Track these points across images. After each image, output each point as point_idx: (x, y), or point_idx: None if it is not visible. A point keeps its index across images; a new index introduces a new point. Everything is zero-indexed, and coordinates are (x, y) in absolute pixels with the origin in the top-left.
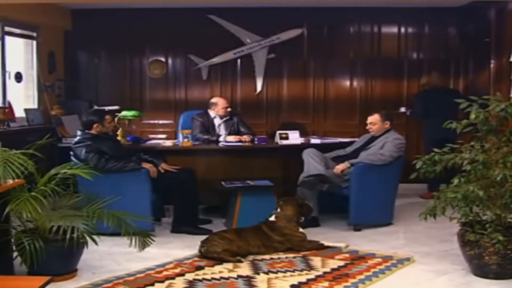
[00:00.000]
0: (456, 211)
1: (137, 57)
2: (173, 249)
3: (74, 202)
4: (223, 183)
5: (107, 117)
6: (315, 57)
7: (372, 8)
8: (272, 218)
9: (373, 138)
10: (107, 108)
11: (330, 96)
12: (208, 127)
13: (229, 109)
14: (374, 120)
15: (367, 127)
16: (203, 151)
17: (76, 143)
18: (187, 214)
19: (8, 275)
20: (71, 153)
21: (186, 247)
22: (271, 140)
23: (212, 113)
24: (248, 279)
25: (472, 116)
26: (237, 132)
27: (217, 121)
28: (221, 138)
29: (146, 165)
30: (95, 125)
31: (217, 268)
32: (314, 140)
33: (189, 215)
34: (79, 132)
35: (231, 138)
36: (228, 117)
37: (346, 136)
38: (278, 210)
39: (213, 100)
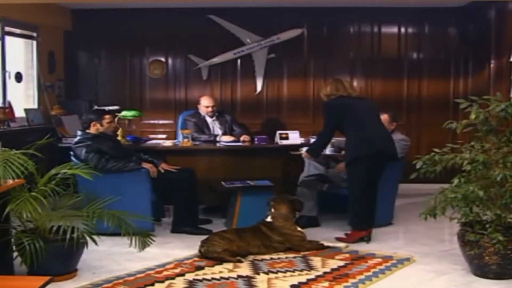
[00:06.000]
0: (456, 211)
1: (137, 57)
2: (173, 249)
3: (74, 202)
4: (223, 183)
5: (107, 116)
6: (315, 57)
7: (372, 8)
8: (269, 219)
9: None
10: (107, 108)
11: None
12: (202, 126)
13: (210, 109)
14: (384, 120)
15: None
16: (203, 151)
17: (76, 143)
18: (187, 214)
19: (8, 275)
20: (71, 153)
21: (186, 247)
22: (271, 140)
23: (201, 112)
24: (248, 279)
25: (472, 116)
26: (231, 131)
27: (209, 120)
28: (218, 138)
29: (146, 165)
30: (92, 123)
31: (217, 268)
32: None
33: (189, 215)
34: (79, 132)
35: (225, 138)
36: (216, 115)
37: None
38: (272, 210)
39: (200, 98)
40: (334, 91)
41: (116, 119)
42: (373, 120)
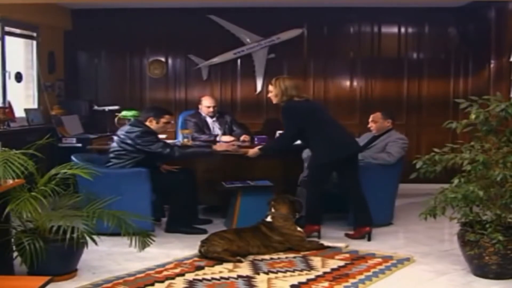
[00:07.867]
0: (456, 211)
1: (137, 57)
2: (173, 249)
3: (74, 202)
4: (223, 183)
5: (167, 116)
6: (315, 57)
7: (372, 8)
8: (269, 219)
9: (375, 138)
10: (107, 108)
11: (330, 96)
12: (202, 126)
13: (211, 109)
14: (375, 118)
15: (369, 125)
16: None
17: (143, 132)
18: (181, 214)
19: (8, 275)
20: (129, 142)
21: (186, 247)
22: (271, 140)
23: (202, 112)
24: (248, 279)
25: (472, 116)
26: (230, 131)
27: (209, 120)
28: (218, 138)
29: (220, 146)
30: (149, 119)
31: (217, 268)
32: None
33: (184, 214)
34: (137, 123)
35: (225, 138)
36: (217, 116)
37: None
38: (272, 210)
39: (202, 98)
40: (295, 92)
41: (116, 119)
42: (336, 123)
